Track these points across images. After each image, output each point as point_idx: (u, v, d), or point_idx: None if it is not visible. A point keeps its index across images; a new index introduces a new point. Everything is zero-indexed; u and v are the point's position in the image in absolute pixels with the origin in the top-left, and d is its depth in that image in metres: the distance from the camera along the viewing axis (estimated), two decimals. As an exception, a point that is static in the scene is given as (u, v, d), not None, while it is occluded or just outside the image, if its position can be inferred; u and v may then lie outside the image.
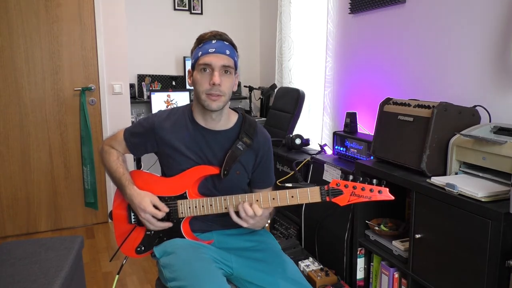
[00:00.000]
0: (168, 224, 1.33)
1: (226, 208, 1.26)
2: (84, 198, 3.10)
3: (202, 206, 1.30)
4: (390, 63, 2.31)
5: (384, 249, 1.81)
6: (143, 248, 1.37)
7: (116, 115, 3.16)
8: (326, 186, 1.17)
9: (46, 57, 2.91)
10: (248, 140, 1.34)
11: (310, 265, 2.14)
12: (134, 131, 1.40)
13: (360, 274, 1.98)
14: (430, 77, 2.05)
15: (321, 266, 2.12)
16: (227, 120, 1.37)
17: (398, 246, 1.73)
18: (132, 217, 1.39)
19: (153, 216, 1.30)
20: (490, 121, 1.66)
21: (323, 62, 2.91)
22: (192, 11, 3.95)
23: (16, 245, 1.77)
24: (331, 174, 2.23)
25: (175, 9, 3.88)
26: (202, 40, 1.28)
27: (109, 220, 3.25)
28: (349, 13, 2.58)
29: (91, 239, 2.94)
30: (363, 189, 1.15)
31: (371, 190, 1.15)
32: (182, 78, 3.93)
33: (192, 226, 1.37)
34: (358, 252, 1.95)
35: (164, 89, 3.77)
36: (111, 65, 3.08)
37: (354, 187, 1.15)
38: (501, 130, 1.47)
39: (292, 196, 1.20)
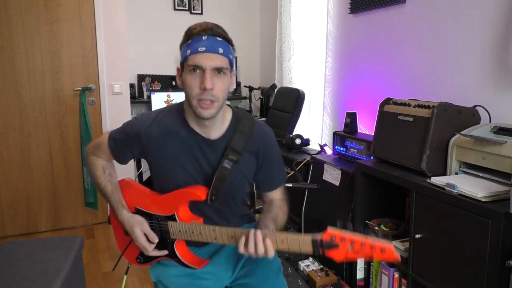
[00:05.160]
0: (162, 253, 1.25)
1: (215, 239, 1.15)
2: (84, 198, 3.10)
3: (192, 232, 1.19)
4: (390, 63, 2.31)
5: (384, 249, 1.81)
6: (142, 259, 1.31)
7: (116, 115, 3.16)
8: (319, 236, 1.00)
9: (46, 57, 2.91)
10: (234, 157, 1.19)
11: (310, 265, 2.13)
12: (118, 138, 1.26)
13: (360, 274, 1.98)
14: (430, 77, 2.05)
15: (321, 266, 2.12)
16: (222, 121, 1.23)
17: (398, 246, 1.73)
18: None
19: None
20: (490, 121, 1.66)
21: (323, 62, 2.91)
22: (192, 11, 3.95)
23: (16, 245, 1.77)
24: (331, 174, 2.23)
25: (175, 9, 3.89)
26: (190, 36, 1.11)
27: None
28: (349, 13, 2.58)
29: (91, 239, 2.94)
30: (362, 245, 0.97)
31: (372, 247, 0.96)
32: (182, 78, 3.93)
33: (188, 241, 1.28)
34: (358, 252, 1.95)
35: (164, 89, 3.77)
36: (111, 65, 3.08)
37: (352, 242, 0.97)
38: (501, 130, 1.47)
39: (282, 241, 1.05)
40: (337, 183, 2.17)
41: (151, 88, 3.72)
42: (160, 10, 3.83)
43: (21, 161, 2.94)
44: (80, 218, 3.16)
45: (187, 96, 1.13)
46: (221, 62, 1.09)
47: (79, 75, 3.01)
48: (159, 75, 3.85)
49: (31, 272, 1.52)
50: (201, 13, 3.98)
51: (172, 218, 1.21)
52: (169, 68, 3.92)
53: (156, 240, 1.22)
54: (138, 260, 1.31)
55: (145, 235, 1.23)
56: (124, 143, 1.25)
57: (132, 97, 3.56)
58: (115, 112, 3.16)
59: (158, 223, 1.24)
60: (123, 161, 1.30)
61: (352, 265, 2.00)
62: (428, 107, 1.62)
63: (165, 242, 1.24)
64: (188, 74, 1.10)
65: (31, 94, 2.90)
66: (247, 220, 1.39)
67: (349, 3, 2.56)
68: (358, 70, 2.59)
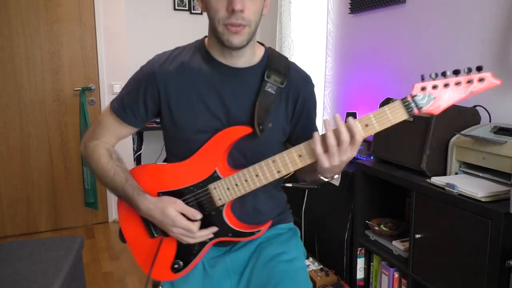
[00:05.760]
0: (211, 230, 0.99)
1: (278, 172, 0.92)
2: (84, 198, 3.10)
3: (236, 185, 0.95)
4: (390, 63, 2.31)
5: (384, 249, 1.81)
6: (181, 263, 1.03)
7: (116, 115, 3.16)
8: (408, 96, 0.84)
9: (46, 57, 2.91)
10: (278, 78, 0.99)
11: (310, 265, 2.13)
12: (126, 91, 1.05)
13: (360, 274, 1.98)
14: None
15: (321, 266, 2.12)
16: (253, 56, 1.02)
17: (398, 246, 1.73)
18: (154, 229, 1.04)
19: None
20: (490, 121, 1.66)
21: (323, 62, 2.91)
22: (192, 11, 3.95)
23: (16, 245, 1.77)
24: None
25: (175, 9, 3.88)
26: None
27: (109, 220, 3.25)
28: (349, 13, 2.58)
29: (91, 239, 2.94)
30: (458, 83, 0.82)
31: (469, 82, 0.82)
32: (182, 78, 3.93)
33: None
34: (358, 252, 1.95)
35: (164, 89, 3.76)
36: (111, 65, 3.08)
37: (446, 85, 0.82)
38: (501, 130, 1.47)
39: (367, 125, 0.85)
40: (337, 183, 2.17)
41: (151, 88, 3.72)
42: (160, 10, 3.83)
43: (21, 161, 2.94)
44: (80, 218, 3.16)
45: (211, 21, 0.94)
46: None
47: (79, 75, 3.01)
48: (159, 75, 3.85)
49: (31, 272, 1.52)
50: (201, 13, 3.98)
51: (213, 178, 0.97)
52: (169, 68, 3.92)
53: (199, 215, 0.97)
54: (175, 267, 1.03)
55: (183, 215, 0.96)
56: (135, 93, 1.02)
57: (132, 97, 3.56)
58: (115, 112, 3.16)
59: (195, 195, 0.98)
60: (133, 120, 1.04)
61: (352, 265, 2.00)
62: (428, 107, 1.62)
63: (208, 218, 0.99)
64: None
65: (31, 94, 2.90)
66: (279, 211, 1.15)
67: (349, 3, 2.56)
68: (358, 70, 2.59)
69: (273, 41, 3.66)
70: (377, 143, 1.86)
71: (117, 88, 3.13)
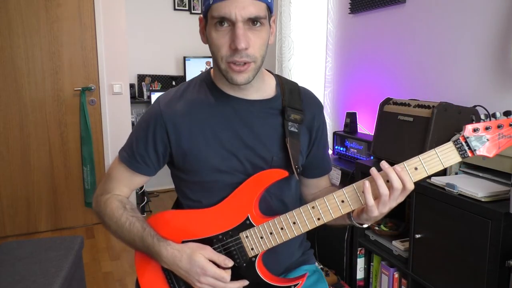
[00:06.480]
0: (242, 283, 0.90)
1: (318, 219, 0.84)
2: (84, 198, 3.10)
3: (270, 233, 0.87)
4: (390, 63, 2.31)
5: (384, 249, 1.81)
6: None
7: (116, 115, 3.16)
8: (461, 137, 0.79)
9: (46, 57, 2.91)
10: (297, 115, 0.94)
11: (310, 265, 2.14)
12: (134, 137, 0.97)
13: (360, 274, 1.98)
14: (430, 77, 2.05)
15: (321, 266, 2.12)
16: (262, 85, 0.95)
17: (398, 246, 1.73)
18: (176, 282, 0.94)
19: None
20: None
21: (323, 62, 2.91)
22: (192, 11, 3.95)
23: (16, 245, 1.77)
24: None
25: (175, 9, 3.89)
26: None
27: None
28: (349, 13, 2.58)
29: (91, 239, 2.94)
30: (511, 124, 0.78)
31: None
32: (182, 78, 3.93)
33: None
34: (358, 252, 1.95)
35: (164, 89, 3.77)
36: (111, 65, 3.08)
37: (499, 126, 0.78)
38: (501, 130, 1.47)
39: (416, 168, 0.80)
40: (337, 183, 2.17)
41: (151, 88, 3.72)
42: (160, 10, 3.83)
43: (21, 161, 2.94)
44: (80, 218, 3.16)
45: (213, 58, 0.87)
46: (256, 10, 0.81)
47: (79, 75, 3.01)
48: (159, 75, 3.85)
49: (31, 272, 1.52)
50: (201, 13, 3.99)
51: (245, 225, 0.89)
52: (169, 68, 3.92)
53: (230, 262, 0.88)
54: None
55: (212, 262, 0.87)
56: (144, 138, 0.94)
57: (132, 97, 3.56)
58: (115, 112, 3.16)
59: (225, 244, 0.90)
60: (145, 169, 0.97)
61: (352, 265, 2.00)
62: (428, 107, 1.62)
63: (239, 271, 0.90)
64: (214, 29, 0.83)
65: (31, 94, 2.90)
66: (303, 248, 1.09)
67: (349, 3, 2.56)
68: (358, 70, 2.59)
69: (273, 41, 3.66)
70: (377, 143, 1.86)
71: (117, 88, 3.13)
